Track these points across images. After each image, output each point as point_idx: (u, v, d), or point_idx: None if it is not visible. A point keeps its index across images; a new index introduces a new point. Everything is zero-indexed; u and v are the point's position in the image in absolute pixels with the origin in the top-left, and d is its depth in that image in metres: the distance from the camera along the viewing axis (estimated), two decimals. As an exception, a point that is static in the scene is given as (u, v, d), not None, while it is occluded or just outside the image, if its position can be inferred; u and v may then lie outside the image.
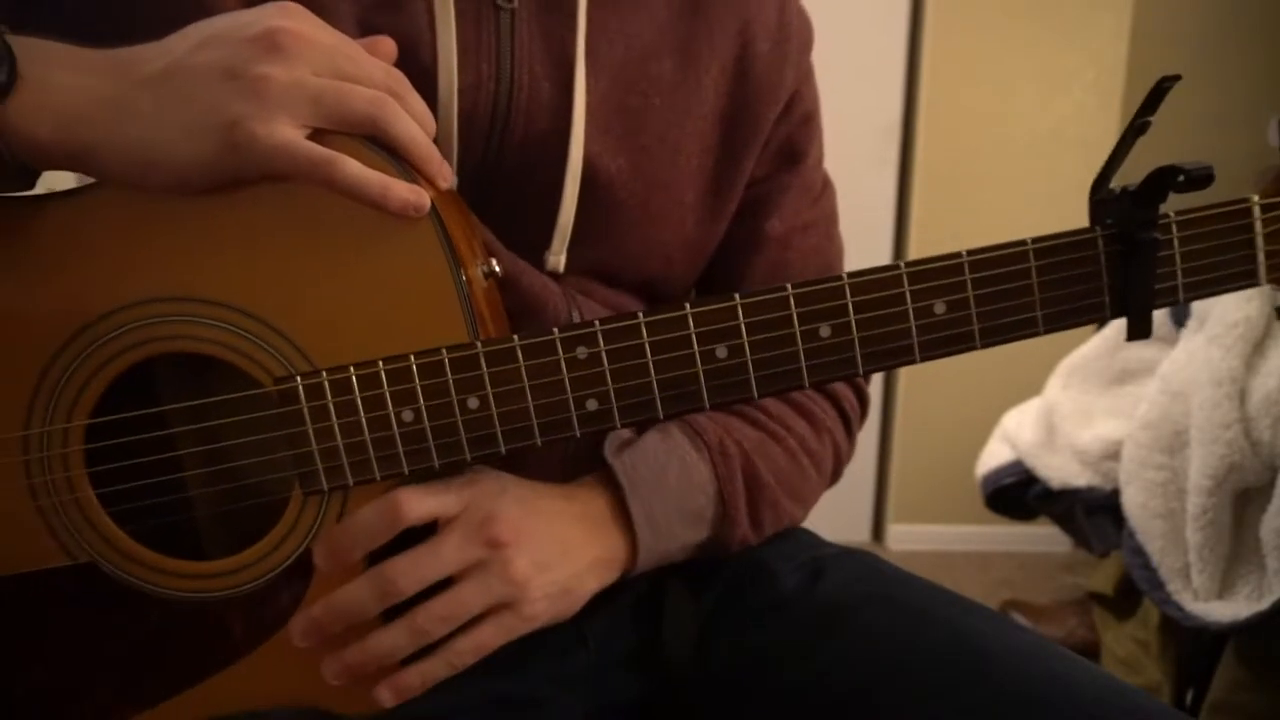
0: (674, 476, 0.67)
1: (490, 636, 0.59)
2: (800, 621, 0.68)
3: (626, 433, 0.69)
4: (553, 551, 0.61)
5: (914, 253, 2.35)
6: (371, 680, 0.57)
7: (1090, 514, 1.65)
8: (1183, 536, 1.41)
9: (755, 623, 0.70)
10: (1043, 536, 2.35)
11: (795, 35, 0.75)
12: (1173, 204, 0.55)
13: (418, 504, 0.57)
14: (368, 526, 0.57)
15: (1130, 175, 0.55)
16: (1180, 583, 1.42)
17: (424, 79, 0.60)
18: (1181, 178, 0.53)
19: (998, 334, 0.56)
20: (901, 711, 0.62)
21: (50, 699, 0.61)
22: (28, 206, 0.57)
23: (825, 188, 0.80)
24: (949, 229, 2.31)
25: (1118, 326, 1.66)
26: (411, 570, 0.57)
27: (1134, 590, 1.57)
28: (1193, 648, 1.48)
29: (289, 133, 0.51)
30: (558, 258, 0.67)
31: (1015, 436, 1.78)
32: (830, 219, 0.80)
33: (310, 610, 0.57)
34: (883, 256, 2.39)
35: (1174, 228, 0.56)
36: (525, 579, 0.59)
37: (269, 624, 0.58)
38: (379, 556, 0.57)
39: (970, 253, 0.55)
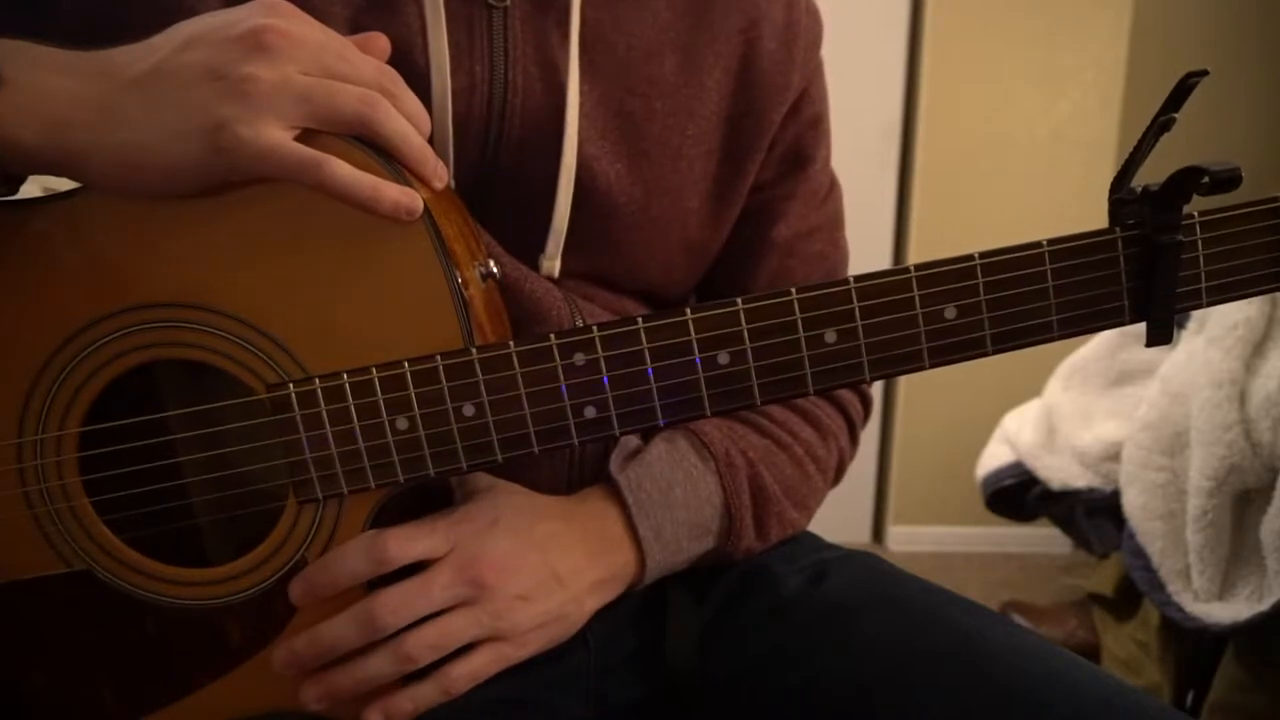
0: (680, 491, 0.66)
1: (484, 665, 0.59)
2: (802, 624, 0.68)
3: (634, 442, 0.69)
4: (545, 582, 0.60)
5: (914, 253, 2.35)
6: (357, 703, 0.57)
7: (1090, 515, 1.65)
8: (1183, 538, 1.41)
9: (757, 626, 0.69)
10: (1043, 538, 2.35)
11: (803, 33, 0.73)
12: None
13: (405, 547, 0.57)
14: (350, 567, 0.56)
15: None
16: (1180, 584, 1.42)
17: (418, 82, 0.59)
18: (1206, 179, 0.51)
19: (1011, 339, 0.54)
20: (903, 712, 0.61)
21: (48, 705, 0.60)
22: (20, 210, 0.56)
23: (832, 189, 0.79)
24: (949, 229, 2.31)
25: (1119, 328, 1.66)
26: (400, 606, 0.56)
27: (1134, 591, 1.57)
28: (1193, 649, 1.48)
29: (276, 134, 0.50)
30: (552, 262, 0.66)
31: (1015, 438, 1.78)
32: (835, 223, 0.79)
33: (292, 642, 0.57)
34: (883, 257, 2.39)
35: (1198, 229, 0.53)
36: (514, 616, 0.59)
37: (266, 630, 0.58)
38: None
39: (983, 255, 0.53)
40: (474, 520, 0.60)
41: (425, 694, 0.57)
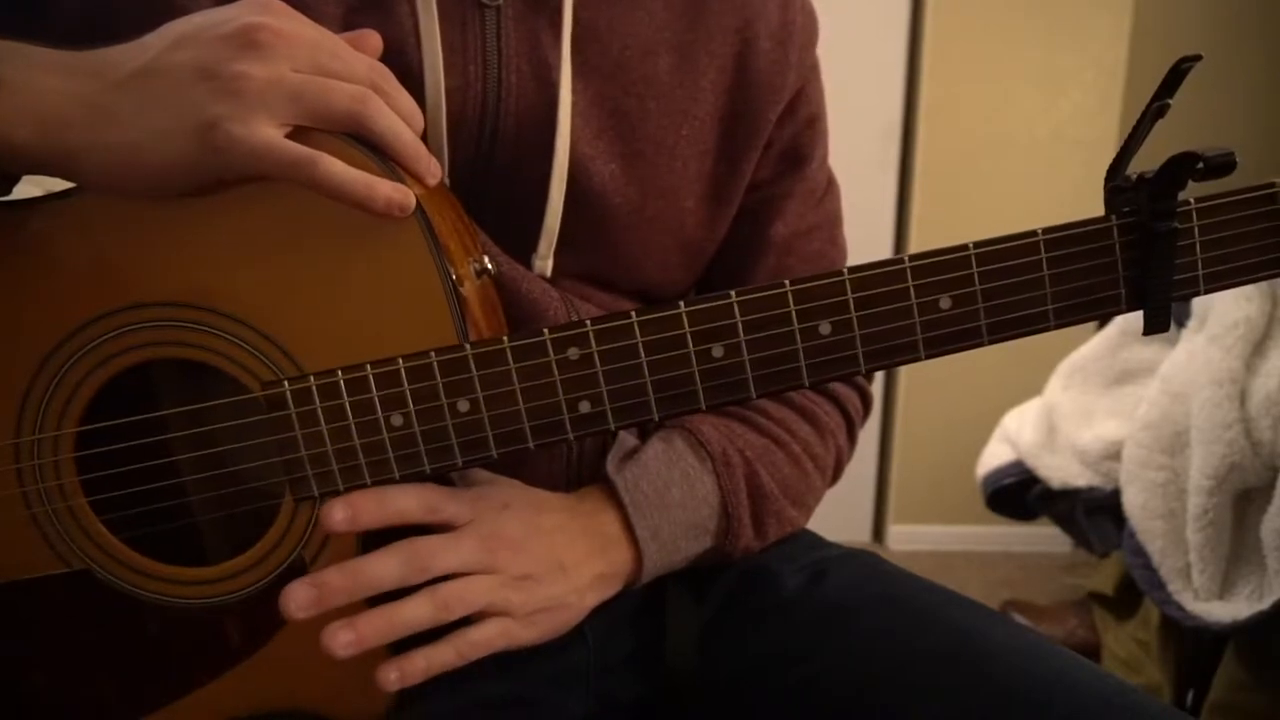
0: (678, 492, 0.67)
1: (494, 637, 0.59)
2: (802, 623, 0.68)
3: (631, 441, 0.69)
4: (551, 568, 0.61)
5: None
6: (369, 667, 0.56)
7: (1091, 514, 1.65)
8: (1183, 537, 1.41)
9: (757, 625, 0.69)
10: (1043, 537, 2.35)
11: (799, 33, 0.73)
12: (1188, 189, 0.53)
13: (445, 503, 0.58)
14: (403, 504, 0.56)
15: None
16: (1181, 583, 1.42)
17: (412, 81, 0.59)
18: (1201, 165, 0.51)
19: (1006, 329, 0.54)
20: (903, 712, 0.61)
21: (48, 705, 0.60)
22: (16, 210, 0.56)
23: (829, 188, 0.79)
24: (949, 230, 2.30)
25: (1119, 326, 1.66)
26: (436, 552, 0.57)
27: (1134, 590, 1.57)
28: (1193, 648, 1.48)
29: (269, 132, 0.50)
30: (544, 261, 0.66)
31: (1016, 437, 1.78)
32: (834, 221, 0.79)
33: (319, 574, 0.55)
34: (883, 256, 2.39)
35: (1194, 215, 0.53)
36: (523, 594, 0.59)
37: (265, 629, 0.58)
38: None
39: (977, 244, 0.53)
40: (488, 499, 0.60)
41: (441, 654, 0.57)
